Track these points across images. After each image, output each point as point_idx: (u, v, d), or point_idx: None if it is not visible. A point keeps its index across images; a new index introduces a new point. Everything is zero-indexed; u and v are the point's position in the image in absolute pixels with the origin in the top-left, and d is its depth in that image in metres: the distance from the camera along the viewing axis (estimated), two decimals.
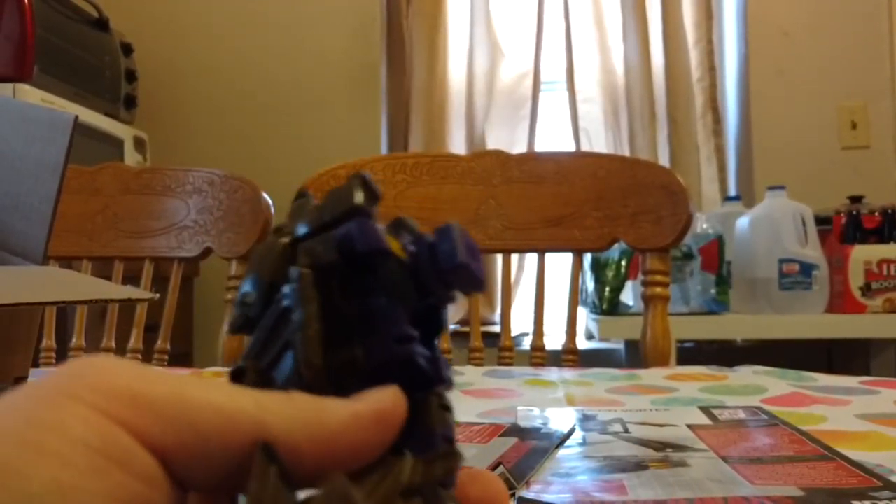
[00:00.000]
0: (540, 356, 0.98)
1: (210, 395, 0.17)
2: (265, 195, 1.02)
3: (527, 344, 1.62)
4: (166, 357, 1.02)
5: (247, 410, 0.17)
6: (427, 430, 0.20)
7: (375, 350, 0.20)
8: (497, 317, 2.23)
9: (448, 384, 0.21)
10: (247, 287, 0.21)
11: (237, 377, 0.20)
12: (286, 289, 0.20)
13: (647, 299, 0.97)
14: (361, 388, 0.19)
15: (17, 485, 0.14)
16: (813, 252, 1.77)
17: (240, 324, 0.21)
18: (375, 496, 0.17)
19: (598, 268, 1.83)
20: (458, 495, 0.20)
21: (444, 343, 0.97)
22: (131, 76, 2.12)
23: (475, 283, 0.21)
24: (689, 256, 1.79)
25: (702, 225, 1.82)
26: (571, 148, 2.29)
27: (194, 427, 0.16)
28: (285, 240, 0.21)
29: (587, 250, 1.01)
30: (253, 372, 0.20)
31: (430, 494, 0.19)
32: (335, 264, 0.20)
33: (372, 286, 0.20)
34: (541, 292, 1.00)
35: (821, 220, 1.84)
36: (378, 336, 0.20)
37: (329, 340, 0.20)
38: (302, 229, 0.21)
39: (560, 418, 0.53)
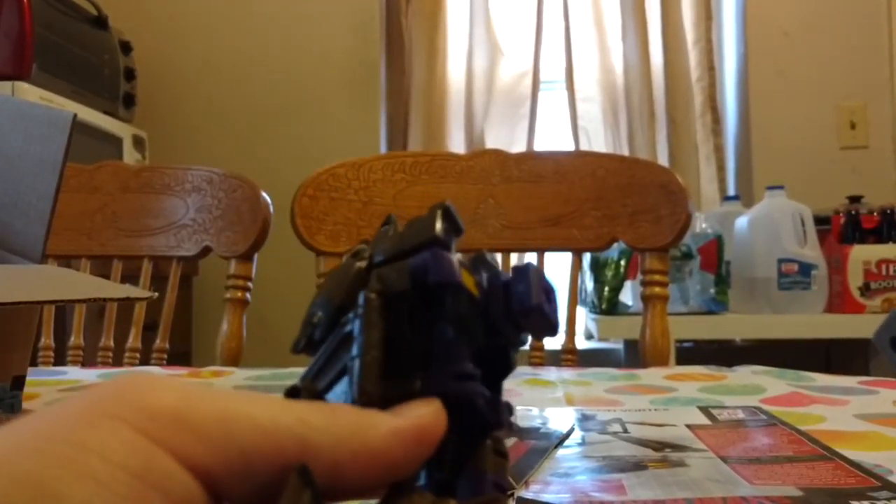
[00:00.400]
0: (539, 356, 0.98)
1: (254, 411, 0.17)
2: (264, 194, 1.02)
3: (526, 343, 1.62)
4: (165, 356, 1.02)
5: (291, 428, 0.17)
6: (478, 473, 0.19)
7: (432, 384, 0.19)
8: None
9: (506, 429, 0.20)
10: (316, 307, 0.21)
11: (291, 397, 0.20)
12: (352, 314, 0.20)
13: (646, 299, 0.97)
14: None
15: None
16: (812, 252, 1.77)
17: (303, 344, 0.21)
18: None
19: (597, 267, 1.83)
20: None
21: None
22: (130, 74, 2.12)
23: (548, 327, 0.20)
24: (688, 256, 1.79)
25: (701, 225, 1.82)
26: (570, 147, 2.29)
27: (239, 447, 0.16)
28: (361, 264, 0.21)
29: (586, 250, 1.01)
30: (307, 393, 0.20)
31: None
32: (406, 293, 0.20)
33: (440, 319, 0.20)
34: None
35: (820, 220, 1.84)
36: (437, 370, 0.19)
37: (389, 370, 0.19)
38: (379, 256, 0.21)
39: (559, 418, 0.53)
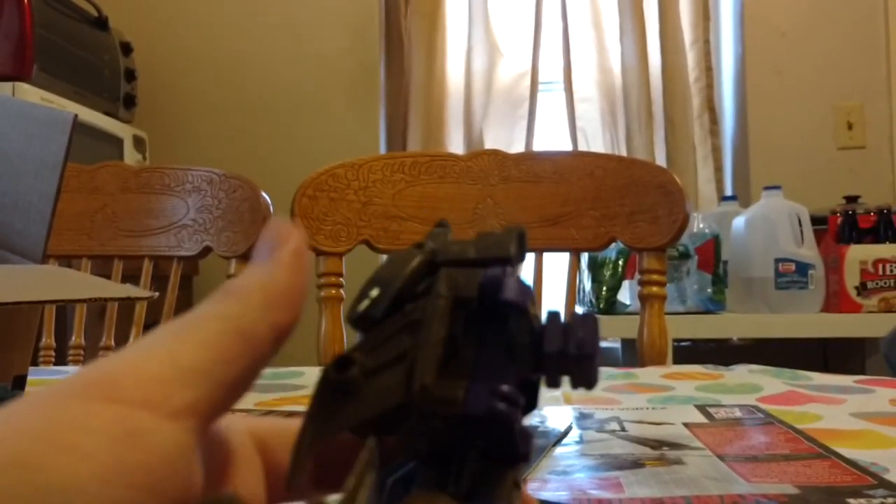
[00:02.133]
0: None
1: (192, 337, 0.18)
2: (264, 194, 1.02)
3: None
4: None
5: (226, 332, 0.18)
6: (489, 500, 0.19)
7: (477, 398, 0.18)
8: None
9: (529, 464, 0.20)
10: (374, 284, 0.21)
11: (343, 366, 0.19)
12: (421, 303, 0.20)
13: (643, 298, 0.97)
14: (446, 428, 0.19)
15: (39, 479, 0.14)
16: (809, 252, 1.78)
17: (359, 315, 0.20)
18: None
19: (595, 267, 1.84)
20: None
21: None
22: (131, 75, 2.12)
23: (591, 378, 0.20)
24: (685, 256, 1.80)
25: (698, 224, 1.83)
26: (569, 148, 2.29)
27: (199, 372, 0.17)
28: (424, 257, 0.21)
29: (584, 250, 1.02)
30: (359, 367, 0.19)
31: None
32: (471, 301, 0.20)
33: (493, 338, 0.19)
34: (538, 292, 1.01)
35: (817, 220, 1.84)
36: (484, 384, 0.19)
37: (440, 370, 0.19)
38: (443, 255, 0.21)
39: (557, 417, 0.54)
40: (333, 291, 0.97)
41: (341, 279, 0.98)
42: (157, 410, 0.16)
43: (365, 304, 0.20)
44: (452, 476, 0.19)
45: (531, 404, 0.20)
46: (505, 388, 0.19)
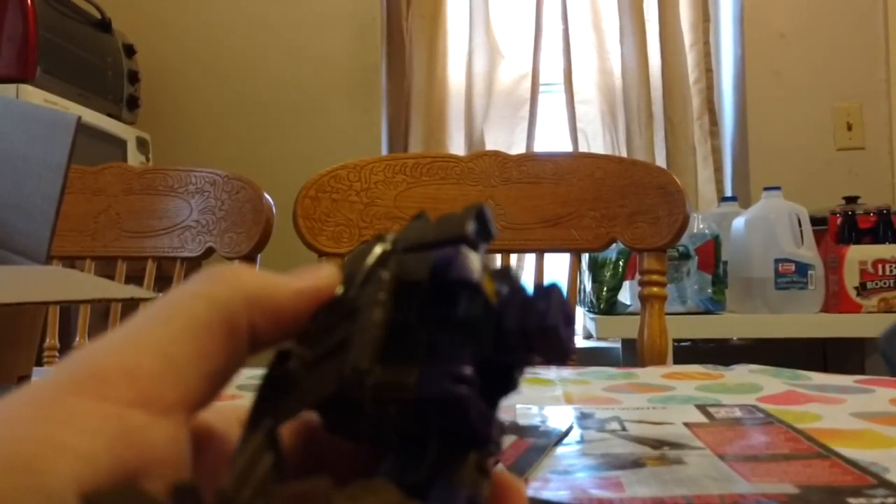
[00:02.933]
0: None
1: (176, 322, 0.18)
2: (267, 195, 1.02)
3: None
4: None
5: (212, 319, 0.18)
6: (452, 485, 0.18)
7: (427, 381, 0.18)
8: None
9: (493, 449, 0.19)
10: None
11: (280, 360, 0.19)
12: (364, 290, 0.19)
13: (644, 299, 0.97)
14: (400, 415, 0.18)
15: (37, 482, 0.14)
16: (808, 252, 1.78)
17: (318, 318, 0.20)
18: None
19: (595, 268, 1.84)
20: None
21: None
22: (134, 77, 2.12)
23: (560, 350, 0.19)
24: (685, 256, 1.80)
25: (698, 225, 1.83)
26: (569, 149, 2.29)
27: (183, 362, 0.17)
28: (385, 247, 0.20)
29: (585, 250, 1.02)
30: (298, 360, 0.19)
31: None
32: (422, 284, 0.19)
33: (448, 320, 0.19)
34: None
35: (816, 221, 1.85)
36: (436, 368, 0.18)
37: (389, 357, 0.18)
38: (403, 243, 0.20)
39: (558, 416, 0.54)
40: None
41: None
42: (151, 407, 0.16)
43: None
44: (412, 462, 0.18)
45: (506, 385, 0.20)
46: (458, 369, 0.18)
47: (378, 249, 0.20)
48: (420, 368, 0.18)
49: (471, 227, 0.20)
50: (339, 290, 0.20)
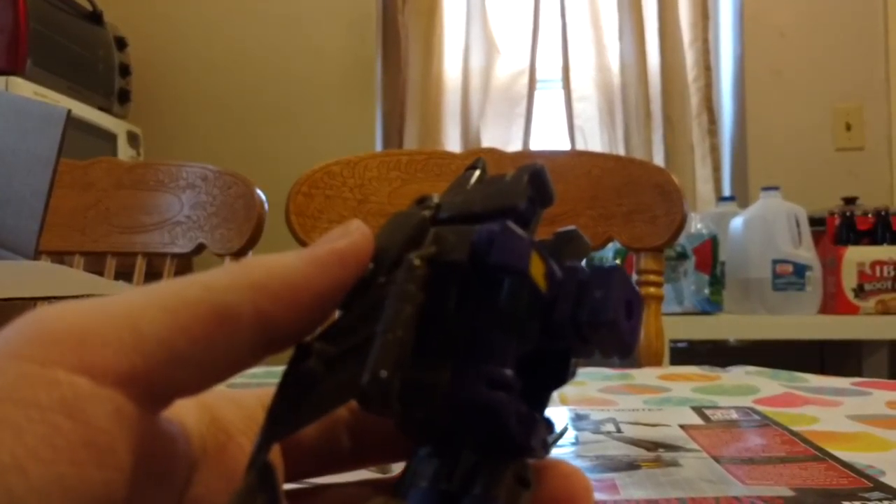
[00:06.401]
0: None
1: (158, 299, 0.16)
2: (259, 191, 1.02)
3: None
4: None
5: (200, 300, 0.16)
6: (487, 498, 0.16)
7: (461, 384, 0.16)
8: None
9: (538, 454, 0.17)
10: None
11: (300, 357, 0.17)
12: (394, 274, 0.17)
13: None
14: (431, 417, 0.16)
15: None
16: (806, 253, 1.78)
17: (345, 300, 0.18)
18: None
19: None
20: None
21: None
22: (125, 70, 2.11)
23: (620, 346, 0.17)
24: (683, 256, 1.80)
25: (696, 225, 1.83)
26: (566, 146, 2.29)
27: (154, 340, 0.15)
28: (426, 213, 0.18)
29: None
30: (318, 358, 0.17)
31: None
32: (461, 265, 0.16)
33: (489, 310, 0.16)
34: None
35: (814, 221, 1.85)
36: (471, 367, 0.16)
37: (421, 349, 0.16)
38: (445, 212, 0.18)
39: (553, 417, 0.53)
40: None
41: None
42: (98, 375, 0.15)
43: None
44: (444, 470, 0.16)
45: (561, 377, 0.18)
46: (497, 371, 0.16)
47: (415, 219, 0.18)
48: (453, 367, 0.16)
49: (523, 197, 0.17)
50: (371, 267, 0.18)
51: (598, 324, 0.16)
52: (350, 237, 0.18)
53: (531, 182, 0.18)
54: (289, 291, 0.17)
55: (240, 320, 0.16)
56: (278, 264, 0.17)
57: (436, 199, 0.19)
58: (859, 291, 1.76)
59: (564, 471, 0.18)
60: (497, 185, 0.18)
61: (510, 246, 0.16)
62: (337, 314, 0.18)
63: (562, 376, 0.18)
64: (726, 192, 2.34)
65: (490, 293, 0.16)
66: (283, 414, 0.17)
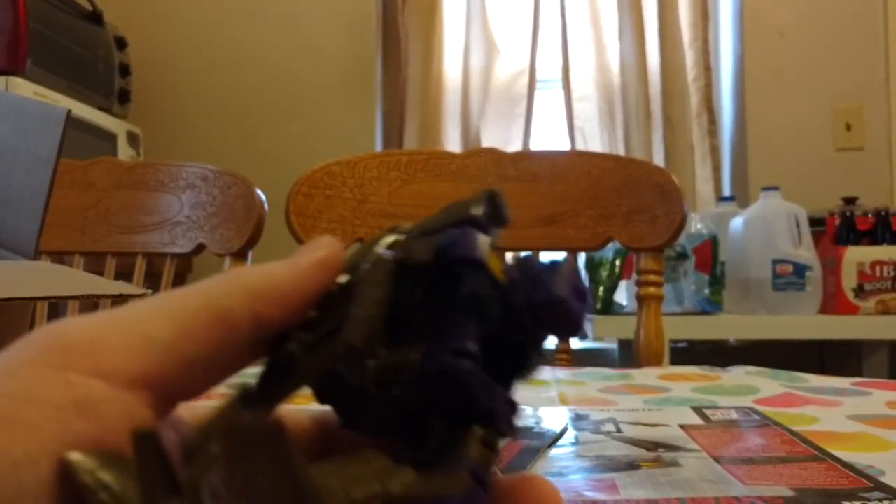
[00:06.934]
0: None
1: (165, 310, 0.17)
2: (259, 191, 1.02)
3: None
4: None
5: (203, 308, 0.18)
6: (450, 460, 0.18)
7: (429, 358, 0.18)
8: None
9: (503, 425, 0.18)
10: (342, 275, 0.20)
11: (281, 343, 0.19)
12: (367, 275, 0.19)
13: (640, 299, 0.97)
14: (405, 396, 0.18)
15: None
16: (806, 253, 1.78)
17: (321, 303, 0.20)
18: (358, 492, 0.16)
19: (592, 267, 1.84)
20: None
21: None
22: (125, 70, 2.11)
23: (570, 324, 0.19)
24: (683, 256, 1.80)
25: (696, 225, 1.83)
26: (566, 146, 2.29)
27: (162, 346, 0.17)
28: (394, 236, 0.20)
29: (581, 249, 1.01)
30: (297, 343, 0.19)
31: None
32: (427, 266, 0.19)
33: (453, 301, 0.19)
34: None
35: (814, 221, 1.85)
36: (438, 344, 0.18)
37: (393, 340, 0.18)
38: (413, 233, 0.20)
39: (552, 417, 0.53)
40: None
41: None
42: (111, 378, 0.16)
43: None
44: (416, 442, 0.18)
45: (522, 366, 0.19)
46: (460, 344, 0.18)
47: (388, 239, 0.20)
48: (423, 349, 0.18)
49: (479, 209, 0.20)
50: (343, 278, 0.20)
51: (552, 303, 0.18)
52: (328, 248, 0.20)
53: (488, 201, 0.20)
54: (279, 294, 0.19)
55: (239, 322, 0.18)
56: (269, 272, 0.19)
57: (406, 226, 0.21)
58: (859, 291, 1.76)
59: (536, 482, 0.19)
60: (457, 205, 0.20)
61: (469, 244, 0.19)
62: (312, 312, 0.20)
63: (522, 368, 0.19)
64: (726, 192, 2.34)
65: (454, 287, 0.19)
66: (265, 391, 0.19)
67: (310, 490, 0.14)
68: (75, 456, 0.15)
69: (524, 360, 0.19)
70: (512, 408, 0.19)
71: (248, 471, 0.14)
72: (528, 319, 0.19)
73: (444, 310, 0.19)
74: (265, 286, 0.19)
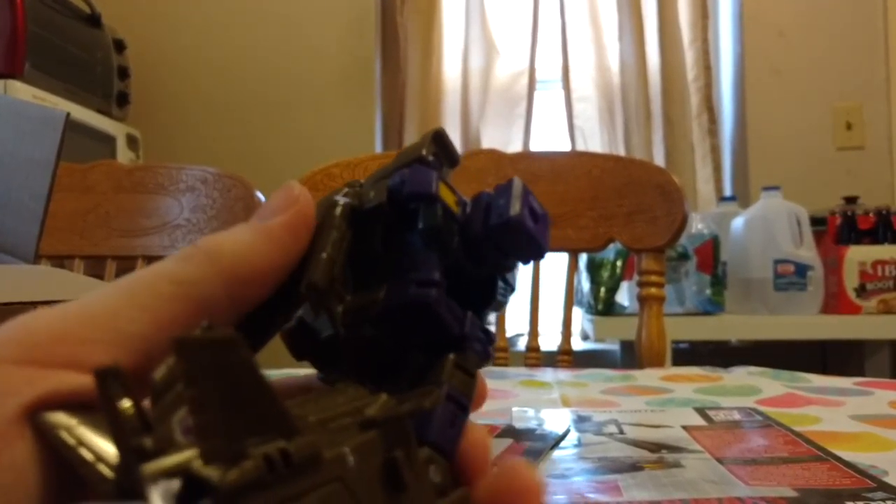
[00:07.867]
0: (535, 357, 0.98)
1: (135, 296, 0.17)
2: (259, 193, 1.02)
3: (522, 345, 1.61)
4: None
5: (173, 295, 0.17)
6: (427, 385, 0.18)
7: (394, 292, 0.18)
8: (492, 317, 2.23)
9: (476, 350, 0.19)
10: None
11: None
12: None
13: (642, 300, 0.96)
14: (375, 333, 0.18)
15: None
16: (808, 253, 1.78)
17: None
18: (331, 416, 0.16)
19: (593, 268, 1.83)
20: (491, 488, 0.18)
21: None
22: (124, 73, 2.11)
23: (530, 245, 0.19)
24: (684, 257, 1.79)
25: (697, 225, 1.82)
26: (566, 147, 2.29)
27: (134, 335, 0.16)
28: (348, 189, 0.20)
29: (582, 250, 1.01)
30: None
31: (395, 435, 0.16)
32: (381, 208, 0.19)
33: (412, 237, 0.19)
34: (536, 293, 1.00)
35: (816, 221, 1.84)
36: (401, 278, 0.18)
37: (357, 284, 0.18)
38: (369, 180, 0.20)
39: (555, 419, 0.53)
40: None
41: None
42: (80, 369, 0.15)
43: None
44: (392, 377, 0.18)
45: (488, 298, 0.19)
46: (423, 274, 0.18)
47: (343, 190, 0.20)
48: (387, 285, 0.18)
49: (427, 149, 0.20)
50: None
51: (507, 224, 0.18)
52: (297, 205, 0.19)
53: (434, 140, 0.20)
54: (256, 274, 0.18)
55: (217, 309, 0.17)
56: (242, 249, 0.18)
57: (359, 181, 0.21)
58: (861, 291, 1.76)
59: (514, 466, 0.18)
60: (406, 149, 0.21)
61: (420, 179, 0.19)
62: None
63: (489, 298, 0.20)
64: (727, 192, 2.34)
65: (411, 225, 0.19)
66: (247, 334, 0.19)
67: (269, 395, 0.14)
68: (53, 415, 0.14)
69: (491, 288, 0.20)
70: (486, 334, 0.19)
71: (206, 388, 0.13)
72: (489, 247, 0.19)
73: (404, 248, 0.19)
74: (241, 267, 0.18)
